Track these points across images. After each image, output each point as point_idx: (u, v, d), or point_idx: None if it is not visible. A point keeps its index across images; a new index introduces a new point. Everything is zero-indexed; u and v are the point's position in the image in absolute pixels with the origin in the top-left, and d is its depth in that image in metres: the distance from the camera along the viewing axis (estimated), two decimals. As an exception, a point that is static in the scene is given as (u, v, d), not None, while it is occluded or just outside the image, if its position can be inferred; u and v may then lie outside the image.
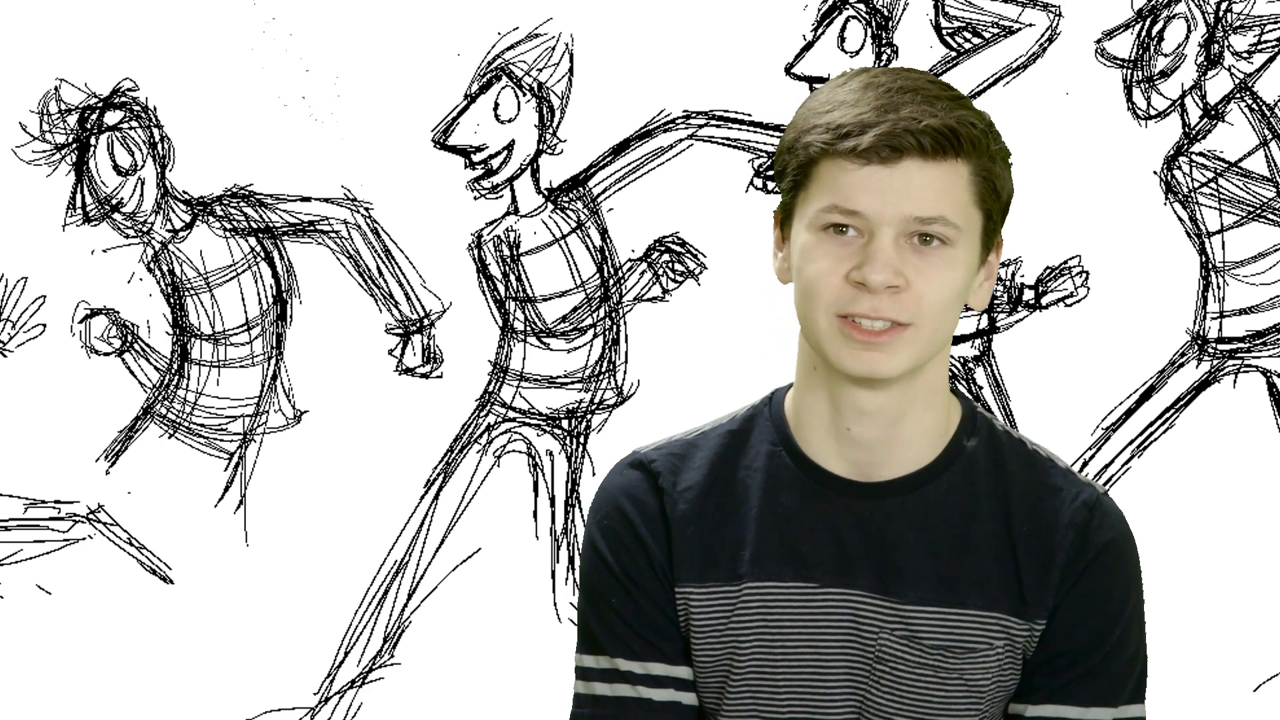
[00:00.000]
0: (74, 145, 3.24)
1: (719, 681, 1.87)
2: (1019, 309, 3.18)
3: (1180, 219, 3.14)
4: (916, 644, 1.81)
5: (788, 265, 1.81)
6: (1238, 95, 3.11)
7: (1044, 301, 3.17)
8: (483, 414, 3.28)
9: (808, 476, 1.84)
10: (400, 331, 3.26)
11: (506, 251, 3.24)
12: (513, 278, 3.25)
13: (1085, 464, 3.16)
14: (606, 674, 1.89)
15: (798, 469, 1.85)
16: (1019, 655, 1.83)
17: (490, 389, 3.28)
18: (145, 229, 3.26)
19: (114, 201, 3.25)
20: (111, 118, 3.24)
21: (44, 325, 3.27)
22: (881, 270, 1.72)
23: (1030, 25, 3.13)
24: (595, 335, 3.26)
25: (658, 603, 1.87)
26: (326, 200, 3.24)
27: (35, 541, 3.27)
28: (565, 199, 3.24)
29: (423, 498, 3.27)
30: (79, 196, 3.25)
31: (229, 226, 3.27)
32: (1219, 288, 3.14)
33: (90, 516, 3.28)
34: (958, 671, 1.82)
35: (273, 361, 3.29)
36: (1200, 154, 3.13)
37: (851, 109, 1.74)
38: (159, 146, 3.25)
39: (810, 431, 1.84)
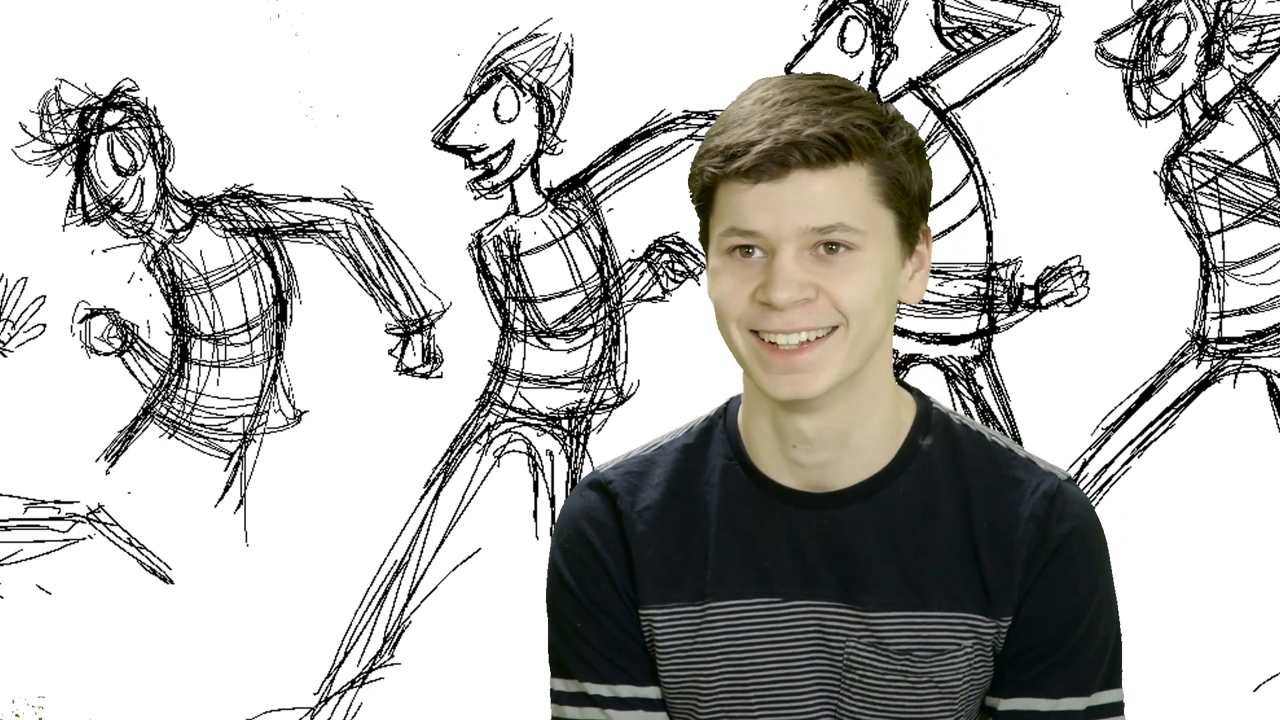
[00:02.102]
0: (74, 145, 3.24)
1: (688, 701, 1.85)
2: (1019, 309, 3.18)
3: (1180, 219, 3.14)
4: (883, 650, 1.80)
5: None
6: (1238, 95, 3.11)
7: (1044, 301, 3.17)
8: (483, 414, 3.28)
9: (763, 490, 1.82)
10: (400, 331, 3.26)
11: (506, 251, 3.25)
12: (513, 278, 3.25)
13: (1085, 464, 3.16)
14: (575, 698, 1.88)
15: (752, 483, 1.82)
16: (989, 653, 1.81)
17: (490, 389, 3.28)
18: (145, 229, 3.26)
19: (114, 201, 3.25)
20: (111, 118, 3.24)
21: (44, 325, 3.28)
22: (784, 288, 1.69)
23: (1030, 25, 3.13)
24: (595, 335, 3.26)
25: (622, 625, 1.86)
26: (326, 200, 3.24)
27: (35, 541, 3.28)
28: (565, 199, 3.24)
29: (423, 498, 3.27)
30: (79, 196, 3.25)
31: (229, 226, 3.27)
32: (1219, 288, 3.14)
33: (90, 516, 3.28)
34: (927, 674, 1.80)
35: (273, 361, 3.29)
36: (1200, 154, 3.13)
37: (739, 128, 1.71)
38: (159, 146, 3.25)
39: (760, 449, 1.82)
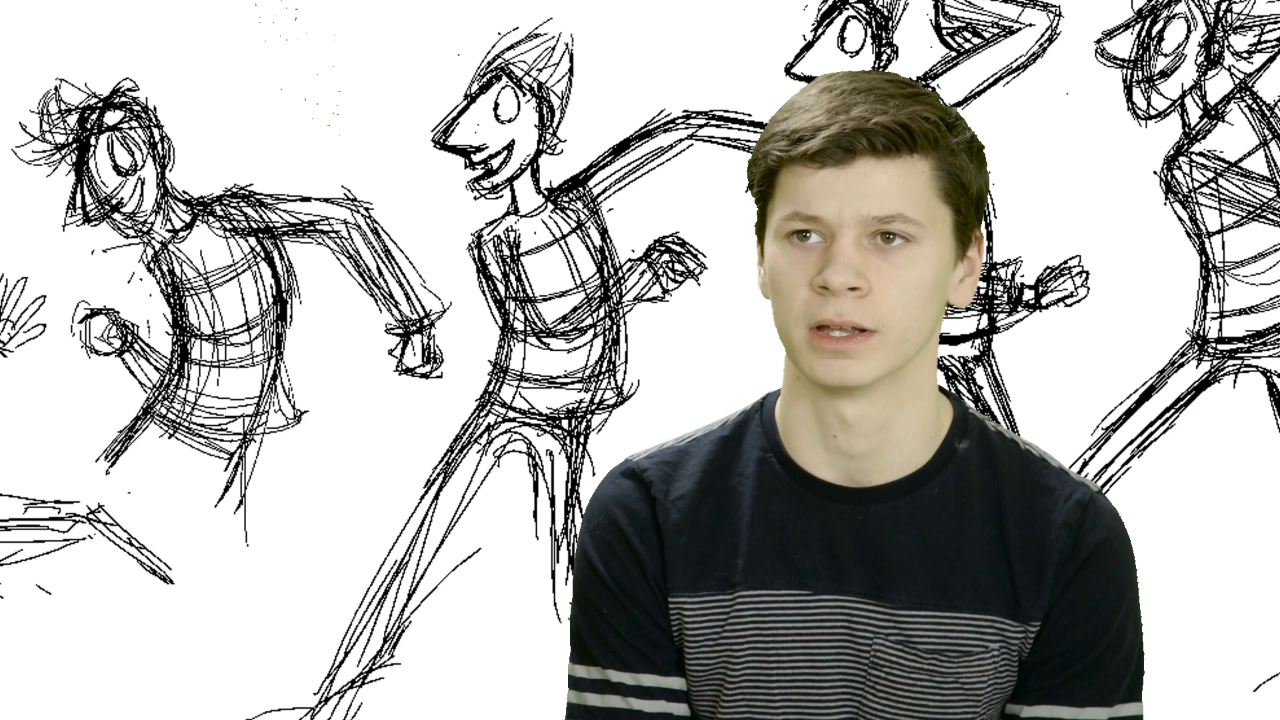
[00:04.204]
0: (74, 145, 3.24)
1: (714, 690, 1.86)
2: (1019, 309, 3.18)
3: (1180, 219, 3.14)
4: (911, 649, 1.81)
5: (766, 280, 1.80)
6: (1238, 95, 3.11)
7: (1044, 301, 3.17)
8: (483, 414, 3.28)
9: (798, 483, 1.83)
10: (400, 331, 3.26)
11: (506, 251, 3.25)
12: (513, 278, 3.25)
13: (1085, 464, 3.16)
14: (598, 685, 1.89)
15: (788, 476, 1.84)
16: (1014, 657, 1.83)
17: (490, 389, 3.28)
18: (145, 229, 3.26)
19: (114, 201, 3.25)
20: (111, 118, 3.24)
21: (44, 325, 3.27)
22: (842, 271, 1.71)
23: (1030, 25, 3.13)
24: (595, 335, 3.26)
25: (650, 613, 1.86)
26: (326, 200, 3.24)
27: (35, 541, 3.27)
28: (565, 199, 3.24)
29: (423, 498, 3.27)
30: (79, 196, 3.25)
31: (229, 226, 3.27)
32: (1219, 288, 3.14)
33: (90, 516, 3.28)
34: (953, 675, 1.81)
35: (273, 361, 3.29)
36: (1200, 154, 3.13)
37: (806, 114, 1.73)
38: (159, 146, 3.25)
39: (798, 439, 1.84)
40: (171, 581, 3.29)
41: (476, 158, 3.23)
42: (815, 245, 1.74)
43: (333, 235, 3.25)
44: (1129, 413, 3.17)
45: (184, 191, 3.26)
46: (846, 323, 1.72)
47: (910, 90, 1.75)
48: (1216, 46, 3.10)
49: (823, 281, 1.72)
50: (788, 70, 3.16)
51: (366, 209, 3.24)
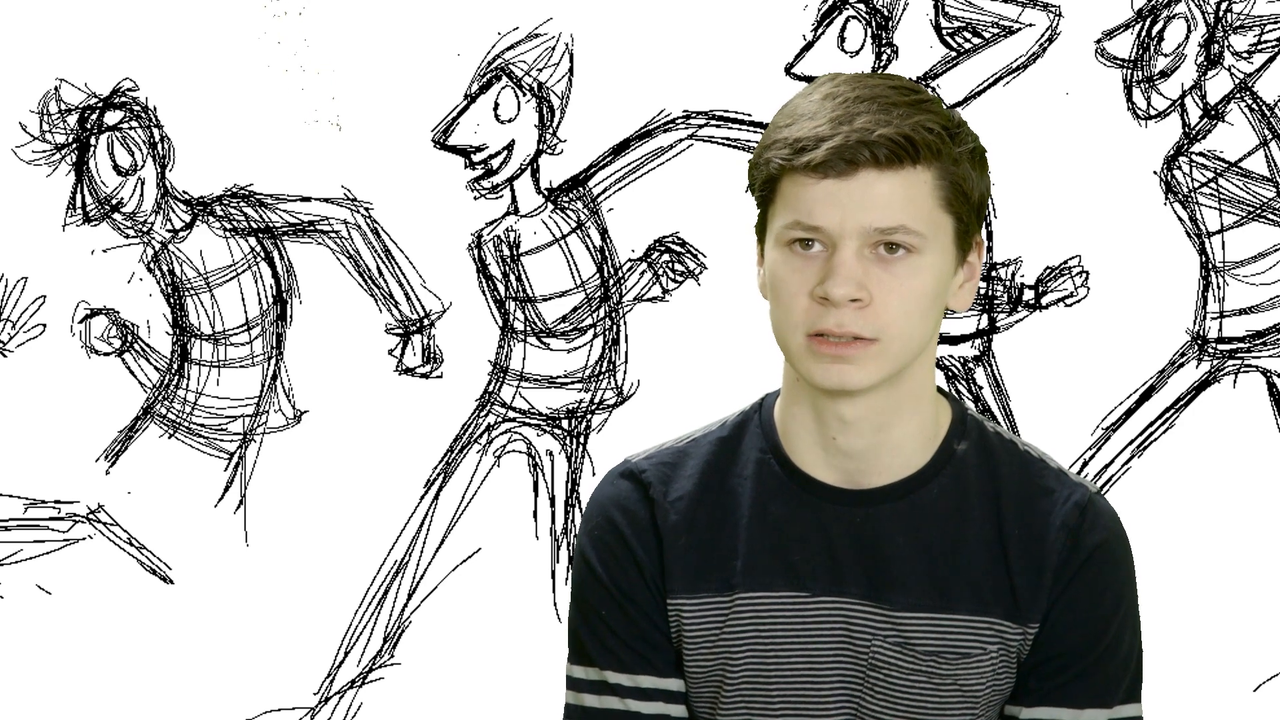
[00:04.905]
0: (74, 145, 3.24)
1: (712, 692, 1.86)
2: (1019, 309, 3.18)
3: (1180, 219, 3.14)
4: (909, 650, 1.81)
5: (765, 281, 1.80)
6: (1238, 95, 3.11)
7: (1044, 301, 3.17)
8: (483, 414, 3.28)
9: (797, 485, 1.83)
10: (400, 331, 3.26)
11: (506, 251, 3.24)
12: (513, 278, 3.25)
13: (1085, 464, 3.16)
14: (595, 686, 1.89)
15: (787, 477, 1.84)
16: (1013, 659, 1.83)
17: (490, 389, 3.28)
18: (145, 229, 3.26)
19: (114, 201, 3.25)
20: (111, 118, 3.24)
21: (44, 325, 3.27)
22: (843, 284, 1.71)
23: (1030, 25, 3.13)
24: (595, 335, 3.26)
25: (648, 615, 1.86)
26: (326, 200, 3.24)
27: (35, 541, 3.27)
28: (565, 199, 3.24)
29: (423, 498, 3.27)
30: (79, 196, 3.25)
31: (229, 226, 3.27)
32: (1219, 288, 3.14)
33: (90, 516, 3.28)
34: (951, 677, 1.81)
35: (273, 361, 3.29)
36: (1200, 154, 3.13)
37: (809, 122, 1.73)
38: (159, 146, 3.25)
39: (797, 440, 1.84)
40: (171, 581, 3.29)
41: (476, 158, 3.23)
42: (817, 254, 1.73)
43: (333, 235, 3.25)
44: (1129, 413, 3.17)
45: (184, 191, 3.26)
46: (847, 333, 1.73)
47: (914, 98, 1.74)
48: (1216, 46, 3.10)
49: (823, 293, 1.72)
50: (788, 70, 3.16)
51: (366, 209, 3.24)
